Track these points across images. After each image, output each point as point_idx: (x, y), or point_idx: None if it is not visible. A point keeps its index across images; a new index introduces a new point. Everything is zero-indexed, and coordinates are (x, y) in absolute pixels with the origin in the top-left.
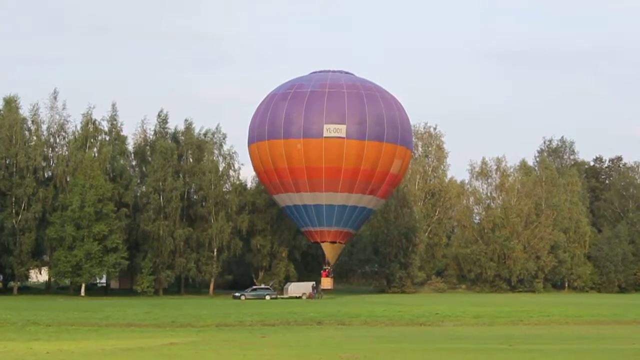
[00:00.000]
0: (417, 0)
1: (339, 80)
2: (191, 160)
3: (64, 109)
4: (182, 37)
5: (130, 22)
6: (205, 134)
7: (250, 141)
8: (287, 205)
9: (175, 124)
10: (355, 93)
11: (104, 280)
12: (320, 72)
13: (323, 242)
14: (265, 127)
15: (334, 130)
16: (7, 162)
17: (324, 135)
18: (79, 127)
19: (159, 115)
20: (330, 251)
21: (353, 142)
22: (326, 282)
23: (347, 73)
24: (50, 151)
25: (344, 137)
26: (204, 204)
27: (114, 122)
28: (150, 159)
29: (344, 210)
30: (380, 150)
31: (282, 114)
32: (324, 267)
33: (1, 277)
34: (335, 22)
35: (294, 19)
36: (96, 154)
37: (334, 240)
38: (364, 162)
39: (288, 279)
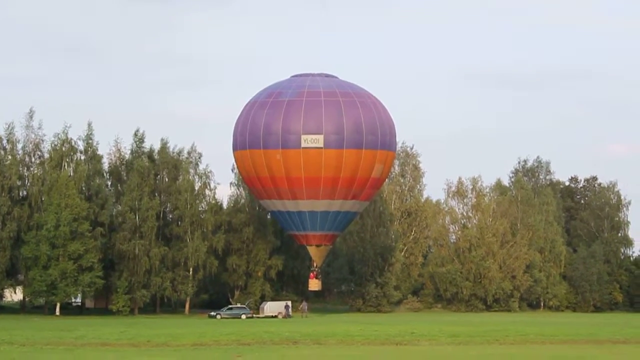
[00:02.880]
0: (397, 22)
1: (318, 87)
2: (167, 179)
3: (39, 128)
4: (160, 56)
5: (108, 41)
6: (179, 153)
7: (234, 148)
8: (273, 210)
9: (151, 142)
10: (333, 101)
11: (79, 300)
12: (301, 75)
13: (309, 245)
14: (246, 137)
15: (311, 140)
16: None
17: (302, 145)
18: (54, 146)
19: (135, 134)
20: (316, 254)
21: (331, 151)
22: (314, 284)
23: (327, 76)
24: (25, 170)
25: (321, 147)
26: (179, 223)
27: (90, 141)
28: (125, 178)
29: (327, 216)
30: (359, 158)
31: (261, 124)
32: (312, 269)
33: None
34: (319, 48)
35: (276, 38)
36: (72, 173)
37: (320, 243)
38: (343, 170)
39: (264, 299)
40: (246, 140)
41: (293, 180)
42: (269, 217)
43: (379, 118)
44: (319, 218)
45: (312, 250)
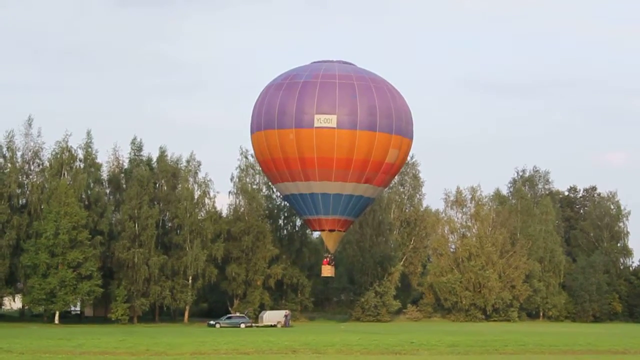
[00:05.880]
0: (396, 29)
1: (333, 70)
2: (166, 187)
3: (38, 136)
4: (159, 63)
5: (105, 47)
6: (177, 161)
7: (251, 131)
8: (286, 195)
9: (149, 151)
10: (347, 84)
11: (78, 308)
12: (319, 62)
13: (322, 230)
14: (261, 118)
15: (324, 120)
16: None
17: (315, 125)
18: (54, 154)
19: (133, 143)
20: (329, 240)
21: (344, 132)
22: (327, 270)
23: (345, 63)
24: (24, 178)
25: (334, 128)
26: (179, 231)
27: (89, 150)
28: (125, 186)
29: (340, 199)
30: (373, 140)
31: (276, 105)
32: (325, 256)
33: None
34: (319, 51)
35: (276, 42)
36: (71, 182)
37: (333, 228)
38: (356, 152)
39: (263, 307)
40: (262, 121)
41: (306, 160)
42: (268, 225)
43: (394, 103)
44: (332, 201)
45: (325, 236)
